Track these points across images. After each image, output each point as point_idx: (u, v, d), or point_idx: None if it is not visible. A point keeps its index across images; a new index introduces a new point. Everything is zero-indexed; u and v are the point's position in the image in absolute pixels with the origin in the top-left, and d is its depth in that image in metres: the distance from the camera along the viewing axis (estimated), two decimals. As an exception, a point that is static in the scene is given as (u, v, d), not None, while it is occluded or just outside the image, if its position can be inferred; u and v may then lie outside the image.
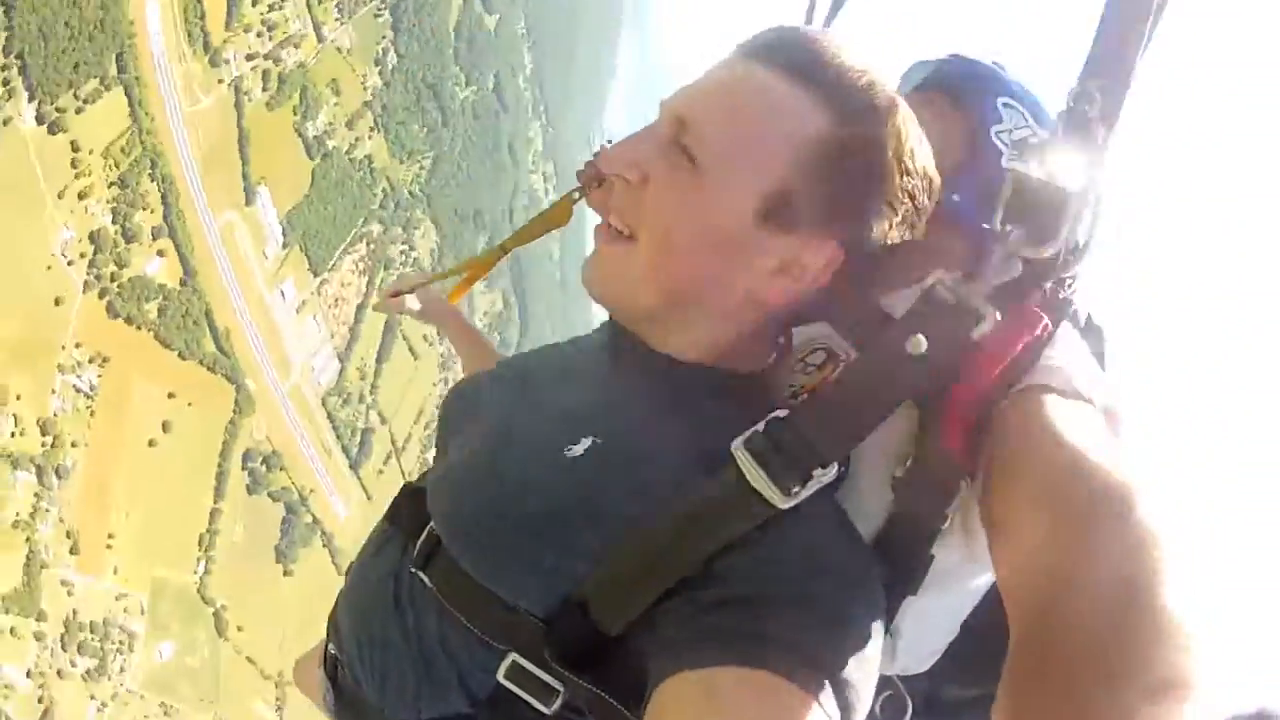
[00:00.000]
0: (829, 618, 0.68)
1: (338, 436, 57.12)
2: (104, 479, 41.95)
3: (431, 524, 0.86)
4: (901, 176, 0.80)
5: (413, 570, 0.86)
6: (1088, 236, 0.87)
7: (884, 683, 1.03)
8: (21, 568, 37.59)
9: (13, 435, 37.84)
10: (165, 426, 45.28)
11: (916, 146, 0.82)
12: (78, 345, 40.88)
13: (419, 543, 0.86)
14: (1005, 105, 1.08)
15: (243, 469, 49.77)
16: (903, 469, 0.89)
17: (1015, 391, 0.83)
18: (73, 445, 40.44)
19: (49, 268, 39.66)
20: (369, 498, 56.36)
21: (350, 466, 57.88)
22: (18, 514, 37.68)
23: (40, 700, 37.50)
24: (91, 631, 40.97)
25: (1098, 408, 0.82)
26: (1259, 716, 0.50)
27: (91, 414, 41.59)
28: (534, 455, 0.83)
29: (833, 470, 0.74)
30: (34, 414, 38.76)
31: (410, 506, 0.93)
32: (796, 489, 0.71)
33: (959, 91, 1.11)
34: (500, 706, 0.79)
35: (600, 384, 0.89)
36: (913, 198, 0.82)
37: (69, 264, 40.56)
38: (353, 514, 55.46)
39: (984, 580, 1.00)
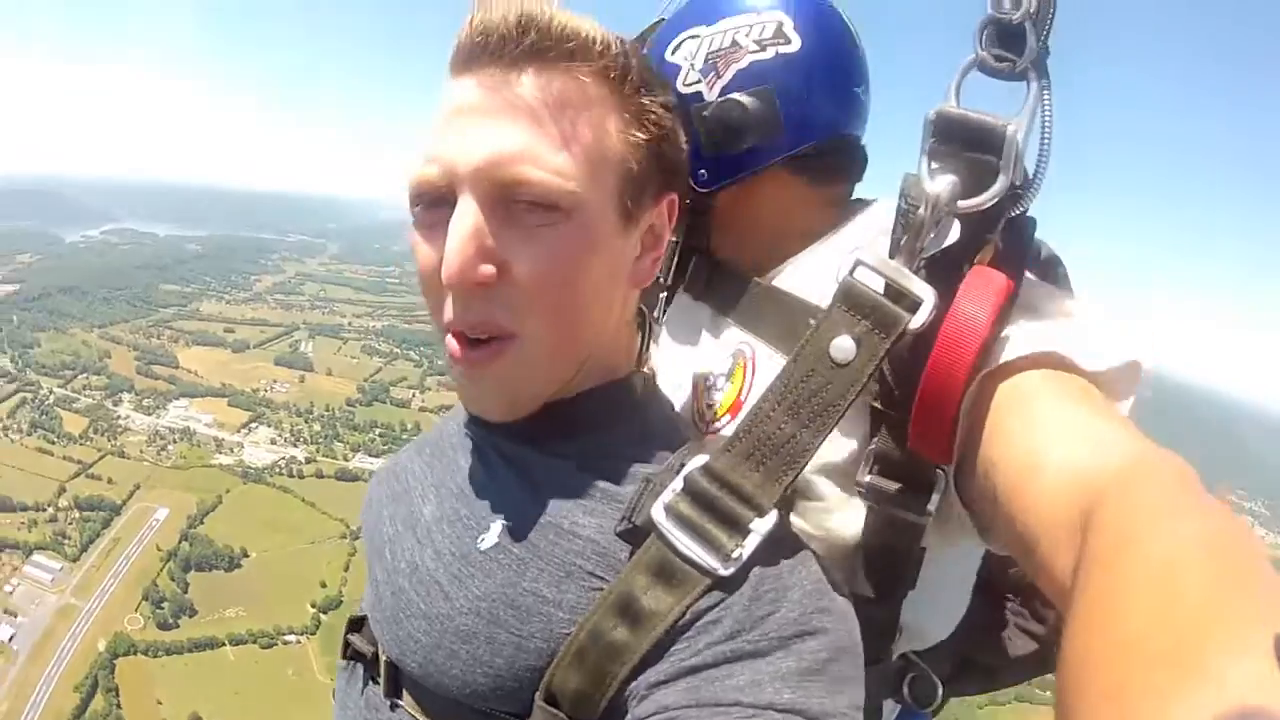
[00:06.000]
0: (791, 656, 0.61)
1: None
2: None
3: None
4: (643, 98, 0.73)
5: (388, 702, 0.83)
6: (1036, 167, 0.70)
7: (906, 665, 1.01)
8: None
9: None
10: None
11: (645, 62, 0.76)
12: None
13: (380, 672, 0.82)
14: (673, 53, 0.96)
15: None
16: (866, 472, 0.80)
17: (994, 370, 0.70)
18: None
19: None
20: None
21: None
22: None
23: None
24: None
25: (1086, 354, 0.69)
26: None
27: None
28: (449, 558, 0.75)
29: (772, 516, 0.64)
30: None
31: (360, 638, 0.88)
32: (737, 552, 0.63)
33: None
34: None
35: (487, 455, 0.81)
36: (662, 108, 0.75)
37: None
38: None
39: (978, 550, 0.98)
